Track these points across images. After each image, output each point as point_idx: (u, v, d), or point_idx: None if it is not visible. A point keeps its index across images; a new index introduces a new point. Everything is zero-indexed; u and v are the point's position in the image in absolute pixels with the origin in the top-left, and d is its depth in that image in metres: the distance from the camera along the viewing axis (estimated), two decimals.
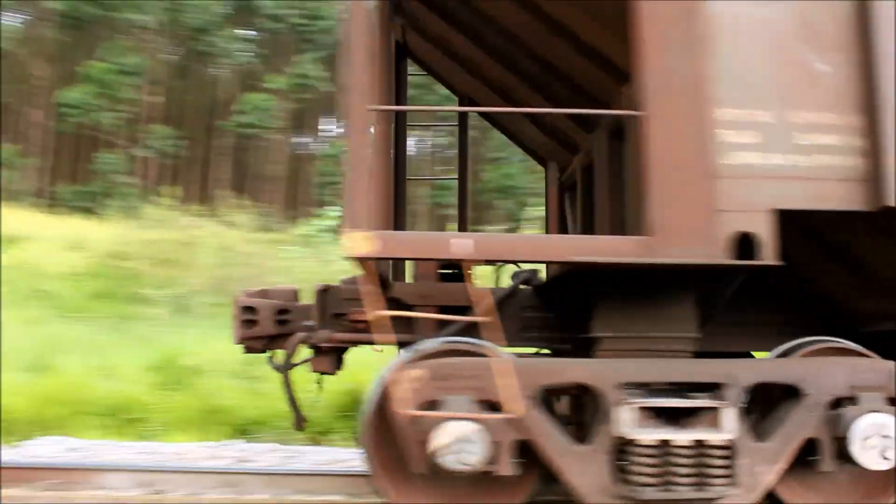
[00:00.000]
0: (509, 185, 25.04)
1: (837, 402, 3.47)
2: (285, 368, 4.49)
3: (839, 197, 3.21)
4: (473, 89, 5.88)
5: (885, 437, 3.35)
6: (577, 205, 5.55)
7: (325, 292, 4.37)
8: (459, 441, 3.28)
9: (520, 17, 4.30)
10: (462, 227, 6.03)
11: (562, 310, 4.26)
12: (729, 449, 3.34)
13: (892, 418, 3.37)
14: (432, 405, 3.40)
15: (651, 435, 3.33)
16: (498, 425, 3.34)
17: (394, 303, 4.21)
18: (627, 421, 3.37)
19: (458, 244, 3.15)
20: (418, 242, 3.20)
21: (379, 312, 3.31)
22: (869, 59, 3.22)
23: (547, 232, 6.20)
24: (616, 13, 3.49)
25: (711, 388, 3.47)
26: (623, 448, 3.38)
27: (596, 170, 4.61)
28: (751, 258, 3.18)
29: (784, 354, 3.75)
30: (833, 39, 3.26)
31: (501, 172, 25.26)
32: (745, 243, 3.19)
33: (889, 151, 3.16)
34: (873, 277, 3.76)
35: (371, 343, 4.49)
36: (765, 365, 3.61)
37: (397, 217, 5.52)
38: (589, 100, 4.49)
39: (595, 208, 4.74)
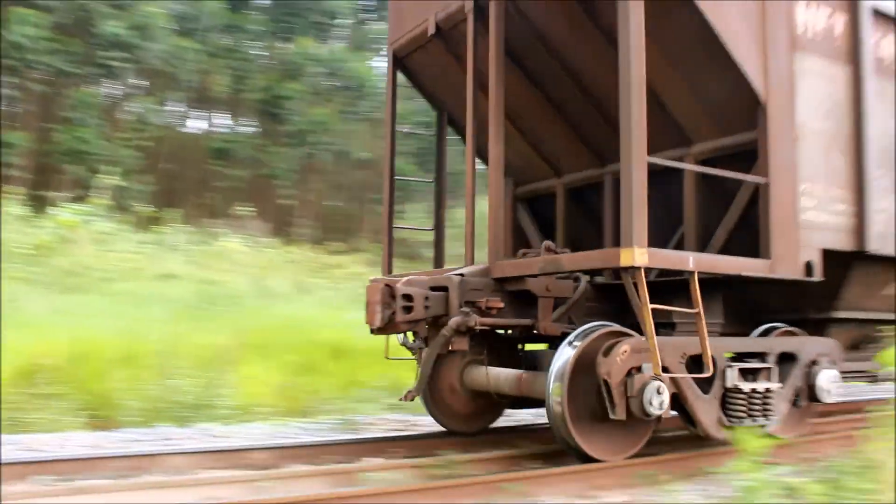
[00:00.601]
0: (82, 149, 23.87)
1: (812, 363, 6.02)
2: (420, 348, 5.64)
3: (845, 242, 5.72)
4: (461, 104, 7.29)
5: (834, 383, 5.98)
6: (535, 218, 7.44)
7: (460, 283, 5.61)
8: (657, 394, 5.04)
9: (600, 66, 6.01)
10: (437, 229, 7.42)
11: (618, 302, 6.15)
12: (776, 393, 5.67)
13: (837, 372, 6.02)
14: (633, 371, 5.08)
15: (748, 385, 5.49)
16: (672, 382, 5.18)
17: (527, 293, 5.67)
18: (734, 377, 5.48)
19: (691, 259, 4.94)
20: (669, 257, 4.89)
21: (653, 306, 4.87)
22: (860, 158, 5.79)
23: (468, 238, 7.85)
24: (729, 108, 5.54)
25: (760, 356, 5.74)
26: (728, 395, 5.48)
27: (607, 198, 6.57)
28: (811, 276, 5.52)
29: (763, 334, 6.17)
30: (846, 145, 5.77)
31: (75, 135, 23.95)
32: (808, 267, 5.53)
33: (870, 215, 5.76)
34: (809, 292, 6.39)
35: (505, 327, 5.90)
36: (782, 341, 5.99)
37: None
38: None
39: (604, 227, 6.71)
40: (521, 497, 4.59)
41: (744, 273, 5.12)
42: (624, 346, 5.01)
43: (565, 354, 5.13)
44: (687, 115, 5.73)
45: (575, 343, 5.14)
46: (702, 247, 5.82)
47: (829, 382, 5.89)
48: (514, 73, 6.49)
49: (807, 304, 6.21)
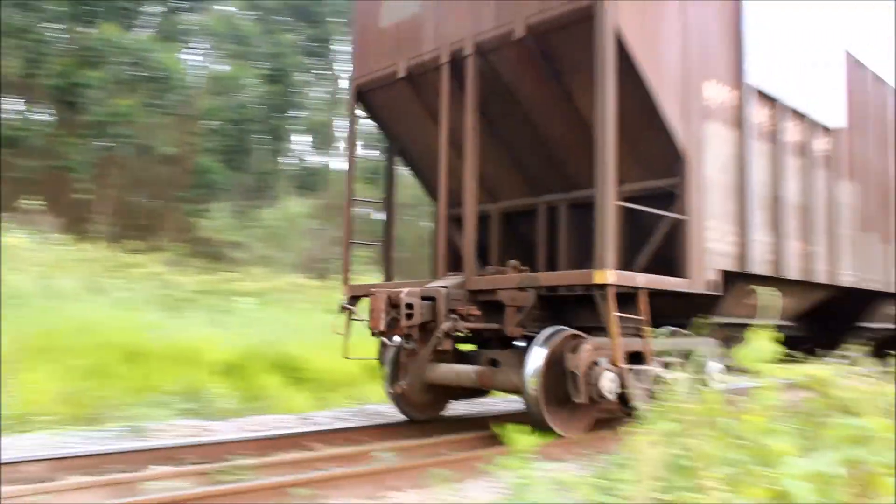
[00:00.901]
0: None
1: (702, 358, 7.92)
2: (412, 347, 6.94)
3: (734, 265, 7.67)
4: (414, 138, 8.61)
5: (719, 373, 7.94)
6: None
7: (446, 294, 6.96)
8: (612, 382, 6.68)
9: (556, 114, 7.60)
10: (387, 244, 8.67)
11: (551, 309, 7.73)
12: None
13: (718, 365, 7.98)
14: (593, 364, 6.69)
15: (669, 375, 7.26)
16: (621, 372, 6.85)
17: (496, 303, 7.12)
18: (659, 368, 7.24)
19: (639, 279, 6.63)
20: (626, 277, 6.54)
21: (618, 314, 6.44)
22: (744, 202, 7.77)
23: (435, 256, 9.17)
24: (659, 157, 7.30)
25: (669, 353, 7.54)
26: (655, 381, 7.23)
27: (559, 224, 8.17)
28: (716, 291, 7.41)
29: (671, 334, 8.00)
30: (735, 191, 7.73)
31: None
32: (712, 284, 7.41)
33: (750, 245, 7.76)
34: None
35: (481, 330, 7.28)
36: (686, 340, 7.83)
37: None
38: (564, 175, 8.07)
39: (537, 249, 8.29)
40: (311, 500, 4.63)
41: (674, 289, 6.88)
42: (588, 345, 6.61)
43: (539, 353, 6.64)
44: (623, 162, 7.43)
45: (545, 344, 6.66)
46: (625, 267, 7.57)
47: (715, 373, 7.81)
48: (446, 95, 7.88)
49: (692, 311, 8.12)
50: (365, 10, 8.49)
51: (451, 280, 7.16)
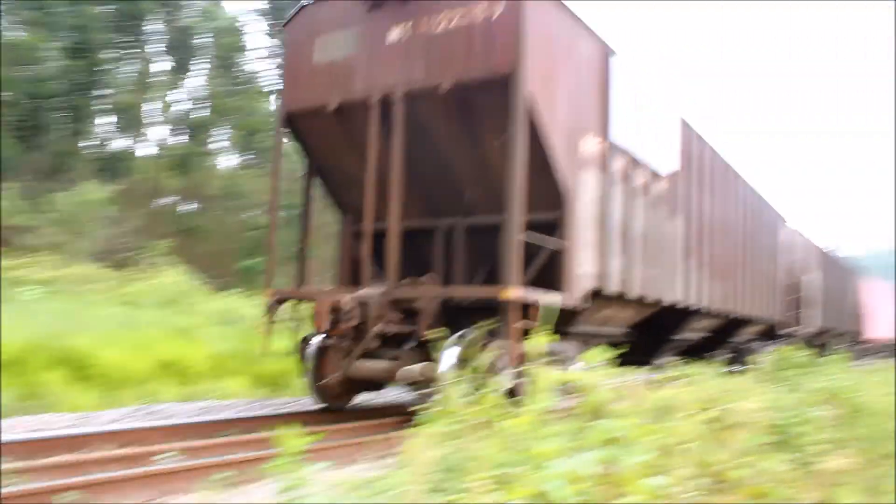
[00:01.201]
0: None
1: (569, 359, 9.99)
2: (342, 346, 8.50)
3: (597, 285, 9.82)
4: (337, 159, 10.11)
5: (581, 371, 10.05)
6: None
7: (377, 300, 8.58)
8: (507, 378, 8.57)
9: (464, 154, 9.42)
10: (302, 252, 10.12)
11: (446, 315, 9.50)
12: None
13: (581, 364, 10.09)
14: (495, 361, 8.53)
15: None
16: (514, 371, 8.76)
17: (411, 309, 8.82)
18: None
19: (536, 295, 8.58)
20: (525, 293, 8.45)
21: (521, 323, 8.29)
22: (604, 233, 9.94)
23: (339, 272, 10.67)
24: (545, 192, 9.29)
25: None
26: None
27: (455, 244, 9.94)
28: (586, 304, 9.49)
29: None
30: (599, 225, 9.88)
31: None
32: (583, 299, 9.49)
33: (608, 269, 9.94)
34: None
35: (402, 332, 8.91)
36: (561, 345, 9.84)
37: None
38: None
39: (434, 264, 10.03)
40: None
41: (558, 304, 8.89)
42: (494, 345, 8.47)
43: (452, 351, 8.42)
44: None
45: (458, 344, 8.47)
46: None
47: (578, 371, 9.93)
48: (386, 139, 9.55)
49: (564, 319, 10.21)
50: (298, 45, 9.91)
51: (374, 289, 8.79)
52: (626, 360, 10.01)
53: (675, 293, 11.95)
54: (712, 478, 3.25)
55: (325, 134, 9.77)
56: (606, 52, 10.05)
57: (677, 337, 13.17)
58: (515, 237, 8.20)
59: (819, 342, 22.34)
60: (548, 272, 9.11)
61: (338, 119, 9.55)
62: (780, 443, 4.35)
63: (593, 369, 9.83)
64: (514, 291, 8.10)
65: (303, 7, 10.05)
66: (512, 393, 8.72)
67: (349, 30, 9.44)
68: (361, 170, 9.72)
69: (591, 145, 9.60)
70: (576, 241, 9.19)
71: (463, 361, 8.34)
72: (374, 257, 10.39)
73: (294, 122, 9.94)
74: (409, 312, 8.81)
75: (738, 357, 15.09)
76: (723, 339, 15.53)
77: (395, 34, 9.06)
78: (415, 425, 3.17)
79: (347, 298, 8.37)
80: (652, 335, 12.58)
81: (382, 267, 10.19)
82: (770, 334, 18.12)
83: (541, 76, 8.49)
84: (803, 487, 3.63)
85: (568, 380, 3.96)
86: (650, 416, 3.34)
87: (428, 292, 8.66)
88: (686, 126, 12.47)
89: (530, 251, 9.01)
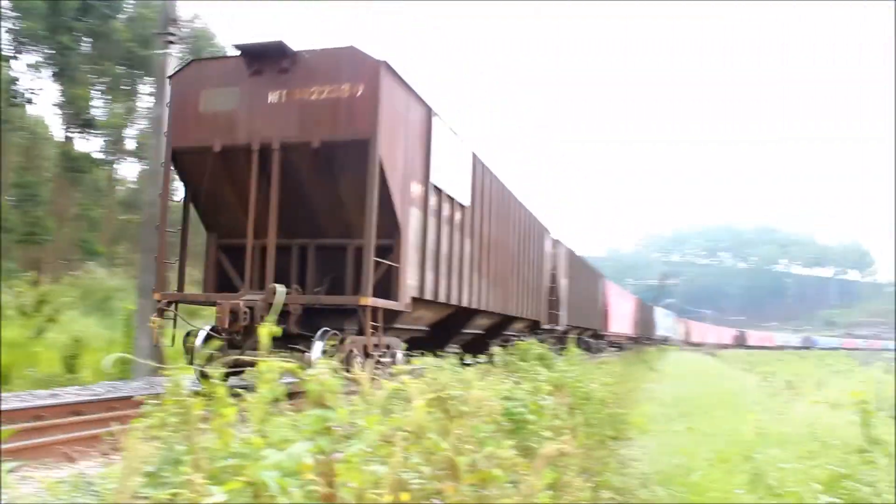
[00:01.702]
0: None
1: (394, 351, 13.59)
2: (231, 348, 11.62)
3: (418, 294, 13.52)
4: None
5: (402, 362, 13.72)
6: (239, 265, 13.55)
7: (262, 303, 11.74)
8: (360, 366, 12.06)
9: (320, 187, 12.79)
10: (181, 262, 13.00)
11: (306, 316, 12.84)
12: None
13: (400, 354, 13.74)
14: (351, 352, 11.99)
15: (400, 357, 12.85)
16: (366, 359, 12.27)
17: (286, 311, 12.09)
18: (400, 357, 12.77)
19: (381, 301, 12.16)
20: (376, 301, 11.99)
21: (373, 323, 11.75)
22: (423, 255, 13.67)
23: (205, 279, 13.61)
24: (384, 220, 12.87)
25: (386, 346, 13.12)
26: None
27: (294, 259, 13.24)
28: (408, 310, 13.15)
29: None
30: (420, 249, 13.59)
31: None
32: (408, 305, 13.15)
33: (425, 281, 13.67)
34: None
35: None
36: (391, 340, 13.40)
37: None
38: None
39: (291, 277, 13.26)
40: None
41: (394, 308, 12.50)
42: (349, 339, 11.95)
43: (319, 345, 11.81)
44: (359, 225, 12.84)
45: (321, 339, 11.87)
46: (354, 292, 13.02)
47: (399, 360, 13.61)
48: (261, 178, 12.71)
49: (390, 320, 13.82)
50: (184, 93, 12.78)
51: (257, 295, 11.96)
52: (425, 350, 13.73)
53: (465, 297, 15.91)
54: (438, 465, 3.45)
55: (205, 169, 12.72)
56: (430, 113, 13.74)
57: (465, 331, 17.22)
58: (370, 259, 11.69)
59: (571, 336, 27.45)
60: (384, 283, 12.66)
61: (220, 159, 12.55)
62: (509, 430, 4.74)
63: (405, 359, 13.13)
64: (369, 299, 11.60)
65: (191, 62, 12.97)
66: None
67: (233, 87, 12.47)
68: (232, 198, 12.81)
69: (416, 188, 13.26)
70: (404, 261, 12.81)
71: (325, 352, 11.71)
72: (237, 268, 13.45)
73: (178, 157, 12.82)
74: (281, 314, 12.02)
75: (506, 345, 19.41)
76: (498, 333, 19.85)
77: (274, 96, 12.23)
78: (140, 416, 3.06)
79: (241, 303, 11.49)
80: (447, 329, 16.51)
81: (243, 277, 13.26)
82: (535, 329, 22.80)
83: (388, 139, 12.03)
84: (526, 470, 3.93)
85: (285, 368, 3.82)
86: (379, 406, 3.56)
87: (299, 300, 11.95)
88: (480, 163, 16.48)
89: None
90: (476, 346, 17.40)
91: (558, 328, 26.87)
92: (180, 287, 13.18)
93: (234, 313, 11.49)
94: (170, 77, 13.22)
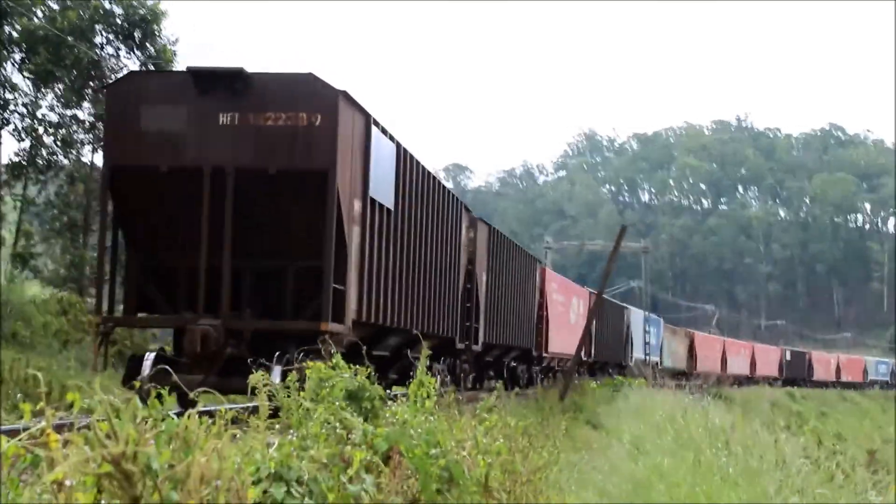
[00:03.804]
0: None
1: None
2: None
3: (359, 316, 16.42)
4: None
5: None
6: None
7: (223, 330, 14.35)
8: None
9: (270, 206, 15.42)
10: (112, 282, 15.35)
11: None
12: None
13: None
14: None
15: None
16: None
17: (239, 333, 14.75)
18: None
19: (332, 326, 15.02)
20: (332, 326, 14.83)
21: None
22: (363, 273, 16.55)
23: (126, 299, 15.95)
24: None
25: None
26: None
27: (224, 279, 15.85)
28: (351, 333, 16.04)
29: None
30: (359, 267, 16.45)
31: None
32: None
33: (363, 301, 16.56)
34: None
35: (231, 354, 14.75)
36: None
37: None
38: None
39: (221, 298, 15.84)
40: None
41: (343, 332, 15.36)
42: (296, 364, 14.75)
43: (278, 369, 14.55)
44: (304, 247, 15.50)
45: (279, 362, 14.64)
46: (294, 315, 15.75)
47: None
48: (199, 195, 15.16)
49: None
50: (123, 108, 15.12)
51: (212, 320, 14.54)
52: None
53: (388, 315, 18.86)
54: None
55: (145, 190, 15.09)
56: (369, 122, 16.54)
57: (376, 352, 20.12)
58: (329, 286, 14.49)
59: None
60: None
61: (164, 180, 14.95)
62: None
63: None
64: (329, 325, 14.41)
65: (130, 74, 15.26)
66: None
67: (179, 105, 14.96)
68: (170, 220, 15.31)
69: (357, 205, 16.16)
70: (348, 283, 15.70)
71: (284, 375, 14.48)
72: (160, 290, 15.80)
73: (115, 175, 15.13)
74: (234, 336, 14.63)
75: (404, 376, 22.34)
76: (398, 358, 22.83)
77: (225, 118, 14.81)
78: None
79: (207, 327, 14.05)
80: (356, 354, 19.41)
81: (169, 300, 15.65)
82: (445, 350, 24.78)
83: (343, 168, 14.87)
84: None
85: None
86: None
87: (254, 325, 14.65)
88: (400, 155, 19.12)
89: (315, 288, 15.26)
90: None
91: (475, 347, 25.95)
92: (111, 310, 15.49)
93: (205, 338, 13.97)
94: (105, 88, 15.40)
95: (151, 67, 32.66)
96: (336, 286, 15.46)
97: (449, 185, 50.46)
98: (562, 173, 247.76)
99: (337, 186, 14.69)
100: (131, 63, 33.53)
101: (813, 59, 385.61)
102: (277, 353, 14.60)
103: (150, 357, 15.00)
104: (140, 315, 16.42)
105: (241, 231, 15.38)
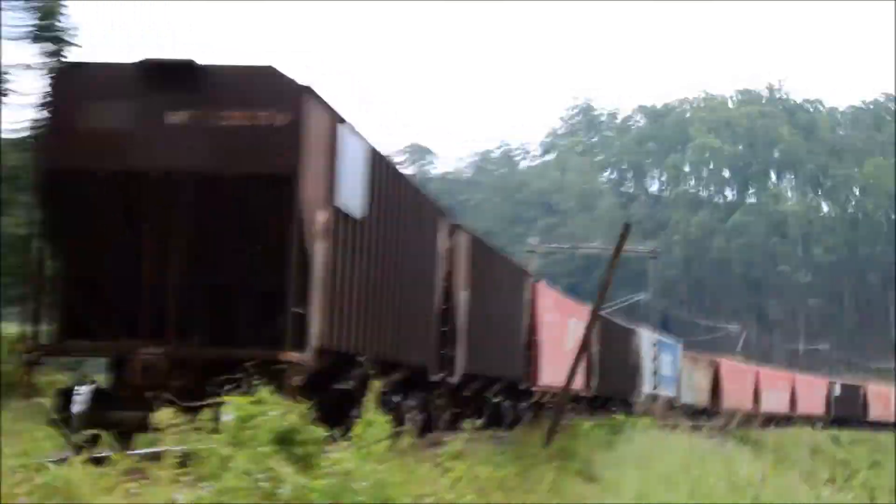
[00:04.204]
0: None
1: None
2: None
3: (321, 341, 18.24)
4: None
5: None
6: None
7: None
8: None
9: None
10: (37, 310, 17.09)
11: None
12: None
13: None
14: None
15: None
16: None
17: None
18: None
19: (295, 355, 16.84)
20: (289, 354, 16.63)
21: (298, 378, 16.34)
22: (332, 294, 18.39)
23: (57, 322, 17.59)
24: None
25: None
26: None
27: (193, 298, 17.61)
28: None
29: None
30: (330, 283, 18.29)
31: None
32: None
33: (330, 326, 18.38)
34: None
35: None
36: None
37: None
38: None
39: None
40: None
41: (299, 360, 17.14)
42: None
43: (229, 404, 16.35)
44: (262, 265, 17.29)
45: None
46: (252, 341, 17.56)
47: None
48: (145, 203, 16.88)
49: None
50: (57, 104, 16.79)
51: (155, 348, 16.27)
52: None
53: (353, 341, 20.60)
54: None
55: (79, 196, 16.72)
56: (335, 121, 18.23)
57: (337, 386, 21.66)
58: (290, 307, 16.23)
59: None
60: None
61: (105, 186, 16.62)
62: None
63: None
64: (288, 353, 16.14)
65: (69, 65, 16.90)
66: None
67: (123, 101, 16.59)
68: (105, 230, 16.95)
69: (321, 216, 17.85)
70: (311, 306, 17.38)
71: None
72: (96, 311, 17.41)
73: (51, 177, 16.80)
74: (181, 366, 16.30)
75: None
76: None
77: (176, 117, 16.51)
78: None
79: (151, 357, 15.74)
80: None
81: (105, 321, 17.22)
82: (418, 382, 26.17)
83: (309, 174, 16.57)
84: None
85: None
86: None
87: (203, 353, 16.35)
88: (372, 156, 20.68)
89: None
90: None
91: (452, 379, 26.42)
92: (35, 335, 17.06)
93: (147, 369, 15.59)
94: (50, 81, 16.87)
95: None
96: (296, 310, 17.04)
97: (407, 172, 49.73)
98: (550, 157, 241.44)
99: (301, 194, 16.31)
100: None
101: (862, 12, 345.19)
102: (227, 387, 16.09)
103: (81, 390, 16.23)
104: (71, 342, 17.54)
105: (192, 245, 16.82)
